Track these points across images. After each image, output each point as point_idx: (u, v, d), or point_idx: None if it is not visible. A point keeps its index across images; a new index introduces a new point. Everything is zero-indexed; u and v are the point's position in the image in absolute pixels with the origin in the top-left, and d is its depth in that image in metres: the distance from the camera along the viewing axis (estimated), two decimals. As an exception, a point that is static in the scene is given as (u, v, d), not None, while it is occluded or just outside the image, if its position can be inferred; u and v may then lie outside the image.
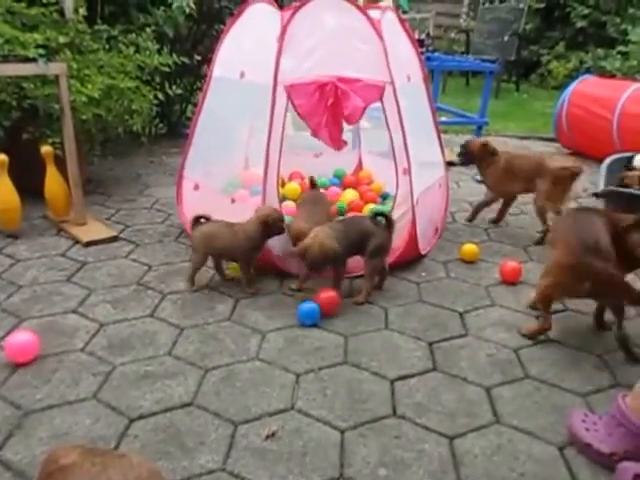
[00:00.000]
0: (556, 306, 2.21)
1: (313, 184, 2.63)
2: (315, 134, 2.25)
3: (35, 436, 1.44)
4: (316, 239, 2.04)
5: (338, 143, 2.30)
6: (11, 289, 2.15)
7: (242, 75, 2.32)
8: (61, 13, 2.90)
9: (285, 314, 2.05)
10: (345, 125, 2.33)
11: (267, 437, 1.47)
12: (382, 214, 2.21)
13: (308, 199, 2.53)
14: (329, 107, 2.20)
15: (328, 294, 2.06)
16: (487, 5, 8.18)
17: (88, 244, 2.56)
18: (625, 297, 1.81)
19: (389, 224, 2.19)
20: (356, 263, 2.26)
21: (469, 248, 2.58)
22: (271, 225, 2.12)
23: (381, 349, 1.87)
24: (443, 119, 4.41)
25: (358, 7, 2.26)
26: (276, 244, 2.27)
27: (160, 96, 3.25)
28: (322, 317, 2.01)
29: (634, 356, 1.85)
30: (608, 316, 1.99)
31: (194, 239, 2.21)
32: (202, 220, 2.22)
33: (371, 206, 2.73)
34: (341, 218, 2.44)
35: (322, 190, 2.79)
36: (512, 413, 1.60)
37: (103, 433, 1.46)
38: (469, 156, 2.98)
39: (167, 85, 3.53)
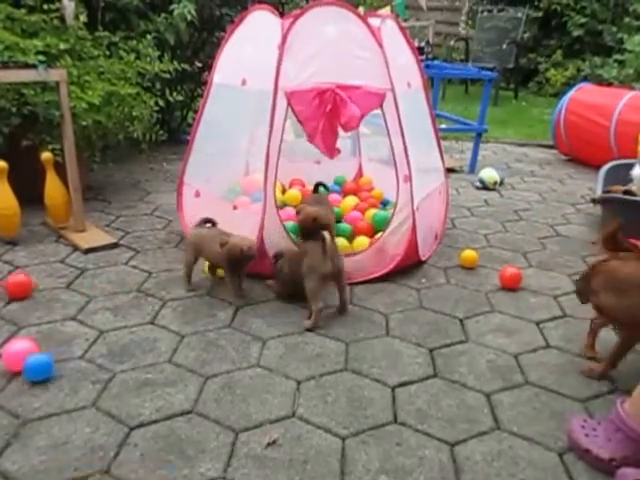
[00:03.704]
0: (556, 312, 2.22)
1: (316, 188, 2.61)
2: (310, 140, 2.25)
3: (33, 446, 1.43)
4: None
5: (332, 151, 2.29)
6: (10, 296, 2.15)
7: (243, 82, 2.33)
8: (62, 20, 2.91)
9: (285, 321, 2.05)
10: (344, 132, 2.33)
11: (268, 445, 1.46)
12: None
13: (309, 203, 2.53)
14: (326, 114, 2.21)
15: (17, 278, 2.13)
16: (486, 14, 8.22)
17: (88, 251, 2.55)
18: None
19: (323, 244, 1.98)
20: (354, 269, 2.27)
21: (469, 254, 2.58)
22: (234, 256, 2.08)
23: (382, 356, 1.87)
24: (443, 126, 4.43)
25: (358, 15, 2.27)
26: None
27: (161, 103, 3.26)
28: (317, 326, 2.01)
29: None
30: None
31: (188, 239, 2.29)
32: (208, 225, 2.28)
33: (373, 211, 2.73)
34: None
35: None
36: (512, 419, 1.60)
37: (102, 442, 1.45)
38: None
39: (168, 92, 3.54)
